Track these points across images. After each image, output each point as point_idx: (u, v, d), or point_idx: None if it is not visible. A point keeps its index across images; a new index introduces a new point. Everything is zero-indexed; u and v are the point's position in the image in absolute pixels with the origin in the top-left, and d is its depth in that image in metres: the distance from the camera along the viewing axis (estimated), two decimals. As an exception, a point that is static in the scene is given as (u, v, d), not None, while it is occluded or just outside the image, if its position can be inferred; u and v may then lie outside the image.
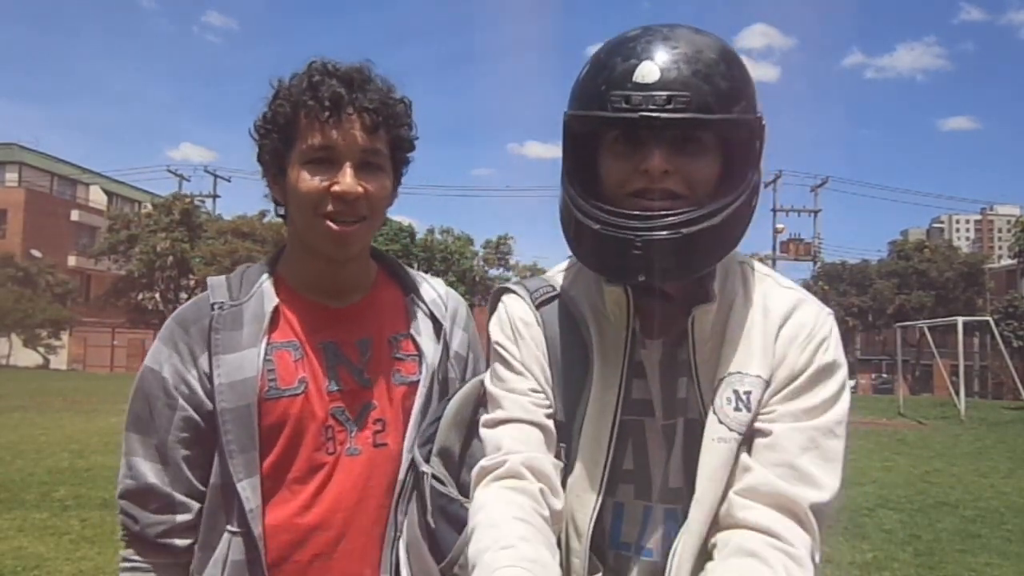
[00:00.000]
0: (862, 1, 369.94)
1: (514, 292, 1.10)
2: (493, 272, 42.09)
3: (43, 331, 31.64)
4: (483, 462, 0.99)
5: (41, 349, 31.87)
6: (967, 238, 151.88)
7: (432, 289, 1.33)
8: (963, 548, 5.61)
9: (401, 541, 1.12)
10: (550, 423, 1.02)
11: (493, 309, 1.12)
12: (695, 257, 0.95)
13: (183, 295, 36.10)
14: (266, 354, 1.14)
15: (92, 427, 10.88)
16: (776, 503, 0.92)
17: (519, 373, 1.05)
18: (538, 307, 1.08)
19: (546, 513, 0.95)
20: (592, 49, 1.02)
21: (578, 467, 1.01)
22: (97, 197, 46.39)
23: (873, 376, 39.43)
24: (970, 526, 6.34)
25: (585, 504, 1.00)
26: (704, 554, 0.95)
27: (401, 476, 1.18)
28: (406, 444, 1.20)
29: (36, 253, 36.82)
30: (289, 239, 1.24)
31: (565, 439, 1.02)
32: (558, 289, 1.10)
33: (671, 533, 0.99)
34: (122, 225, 36.18)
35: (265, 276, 1.20)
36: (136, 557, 1.15)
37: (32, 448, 8.85)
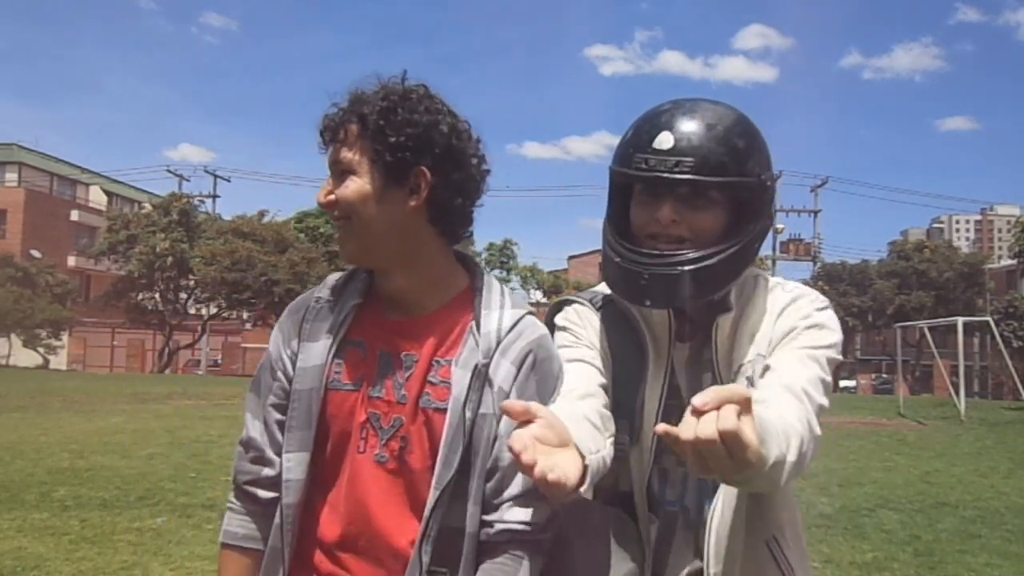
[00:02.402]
0: (859, 2, 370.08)
1: (576, 300, 1.32)
2: (494, 273, 41.93)
3: (43, 331, 31.66)
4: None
5: (41, 349, 31.90)
6: (967, 238, 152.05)
7: (496, 321, 1.23)
8: (963, 548, 5.61)
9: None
10: (603, 390, 1.21)
11: (554, 315, 1.32)
12: (692, 288, 1.15)
13: (183, 295, 36.12)
14: (340, 348, 1.26)
15: (92, 427, 10.88)
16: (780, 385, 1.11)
17: (586, 346, 1.25)
18: (596, 310, 1.30)
19: (598, 423, 1.12)
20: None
21: (639, 439, 1.23)
22: (97, 197, 46.47)
23: (873, 376, 39.47)
24: (970, 526, 6.34)
25: (643, 469, 1.22)
26: (734, 506, 1.16)
27: (434, 496, 1.15)
28: (438, 466, 1.16)
29: (36, 253, 36.86)
30: None
31: (628, 416, 1.22)
32: (609, 298, 1.30)
33: (703, 491, 1.22)
34: (122, 225, 36.16)
35: (365, 276, 1.31)
36: (233, 500, 1.32)
37: (32, 448, 8.84)
